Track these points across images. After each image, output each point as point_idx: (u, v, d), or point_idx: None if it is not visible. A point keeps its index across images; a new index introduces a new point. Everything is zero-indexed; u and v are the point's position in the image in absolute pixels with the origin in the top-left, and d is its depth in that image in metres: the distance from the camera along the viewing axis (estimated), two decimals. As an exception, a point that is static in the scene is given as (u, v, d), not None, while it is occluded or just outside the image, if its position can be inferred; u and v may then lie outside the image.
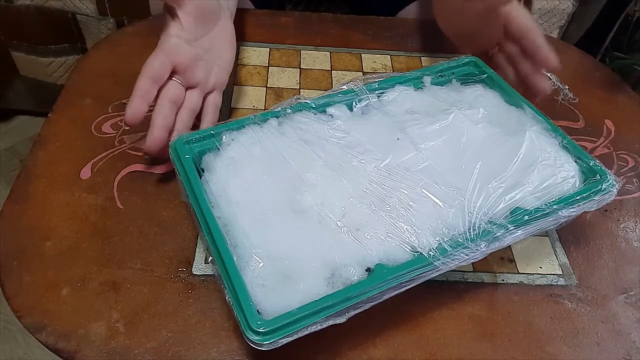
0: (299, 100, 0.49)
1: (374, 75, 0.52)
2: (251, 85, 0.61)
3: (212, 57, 0.53)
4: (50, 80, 1.22)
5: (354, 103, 0.50)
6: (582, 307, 0.45)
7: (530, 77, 0.56)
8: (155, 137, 0.47)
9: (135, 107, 0.47)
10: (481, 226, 0.41)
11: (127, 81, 0.58)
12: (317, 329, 0.35)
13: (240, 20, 0.69)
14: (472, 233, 0.40)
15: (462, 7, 0.56)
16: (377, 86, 0.51)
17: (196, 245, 0.46)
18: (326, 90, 0.52)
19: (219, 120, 0.56)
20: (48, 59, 1.18)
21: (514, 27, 0.55)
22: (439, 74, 0.55)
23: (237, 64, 0.63)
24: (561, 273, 0.47)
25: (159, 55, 0.49)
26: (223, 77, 0.54)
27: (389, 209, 0.41)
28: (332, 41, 0.68)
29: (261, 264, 0.38)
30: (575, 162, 0.47)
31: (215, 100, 0.53)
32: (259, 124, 0.47)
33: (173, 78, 0.50)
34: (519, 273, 0.46)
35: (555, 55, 0.54)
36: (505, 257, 0.47)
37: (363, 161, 0.44)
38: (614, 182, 0.44)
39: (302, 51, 0.66)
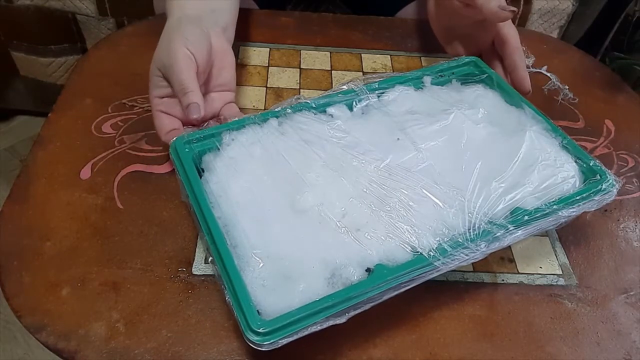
0: (299, 100, 0.49)
1: (374, 75, 0.52)
2: (251, 85, 0.61)
3: (209, 86, 0.52)
4: (50, 80, 1.22)
5: (354, 103, 0.50)
6: (582, 307, 0.45)
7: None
8: None
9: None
10: (481, 226, 0.41)
11: (127, 81, 0.58)
12: (317, 330, 0.35)
13: (240, 20, 0.69)
14: (472, 233, 0.40)
15: (460, 11, 0.56)
16: (377, 86, 0.52)
17: (196, 245, 0.46)
18: (326, 90, 0.52)
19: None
20: (48, 59, 1.18)
21: (502, 44, 0.57)
22: (439, 74, 0.55)
23: (237, 64, 0.63)
24: (561, 273, 0.47)
25: (159, 116, 0.49)
26: (227, 96, 0.53)
27: (389, 209, 0.41)
28: (332, 41, 0.68)
29: (261, 264, 0.38)
30: (575, 162, 0.47)
31: (229, 111, 0.51)
32: (259, 124, 0.47)
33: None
34: (519, 273, 0.46)
35: (528, 81, 0.56)
36: (505, 257, 0.47)
37: (363, 161, 0.44)
38: (614, 182, 0.44)
39: (302, 51, 0.66)
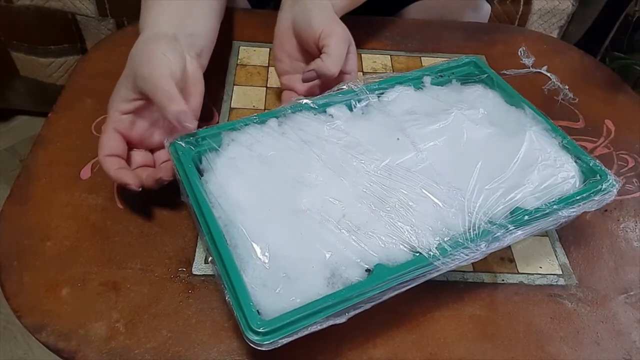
0: (299, 100, 0.49)
1: (374, 75, 0.52)
2: (251, 85, 0.61)
3: None
4: (50, 80, 1.22)
5: (354, 103, 0.50)
6: (582, 307, 0.45)
7: None
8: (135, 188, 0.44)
9: (126, 179, 0.44)
10: (481, 226, 0.41)
11: (127, 81, 0.58)
12: (317, 329, 0.35)
13: (240, 20, 0.69)
14: (472, 233, 0.40)
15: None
16: (377, 86, 0.51)
17: (196, 245, 0.46)
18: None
19: (219, 121, 0.56)
20: (48, 60, 1.18)
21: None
22: (439, 74, 0.55)
23: (237, 64, 0.63)
24: (561, 273, 0.47)
25: (110, 134, 0.45)
26: (190, 126, 0.46)
27: (389, 209, 0.41)
28: (332, 41, 0.67)
29: (261, 264, 0.38)
30: (575, 162, 0.47)
31: None
32: (259, 124, 0.47)
33: (134, 150, 0.47)
34: (519, 273, 0.46)
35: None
36: (505, 257, 0.47)
37: (363, 161, 0.44)
38: (614, 182, 0.44)
39: (302, 51, 0.66)
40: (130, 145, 0.47)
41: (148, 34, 0.49)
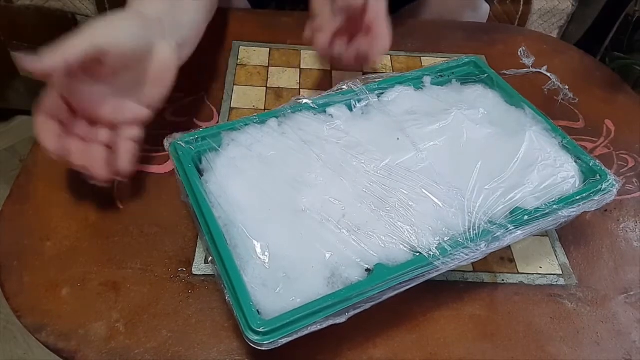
0: (299, 101, 0.49)
1: (373, 75, 0.52)
2: (251, 85, 0.61)
3: (126, 93, 0.46)
4: (50, 80, 1.22)
5: (354, 103, 0.50)
6: (582, 307, 0.45)
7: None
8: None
9: (49, 143, 0.41)
10: (481, 226, 0.41)
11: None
12: (317, 329, 0.35)
13: (240, 20, 0.69)
14: (472, 233, 0.40)
15: None
16: (377, 86, 0.52)
17: (196, 245, 0.46)
18: (326, 90, 0.52)
19: (219, 121, 0.56)
20: (48, 59, 1.18)
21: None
22: (439, 74, 0.55)
23: (237, 64, 0.63)
24: (561, 273, 0.47)
25: (51, 93, 0.43)
26: (142, 112, 0.46)
27: (388, 209, 0.41)
28: (332, 41, 0.67)
29: (261, 264, 0.38)
30: (575, 162, 0.47)
31: (130, 134, 0.46)
32: (259, 124, 0.47)
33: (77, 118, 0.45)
34: (519, 273, 0.46)
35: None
36: (505, 257, 0.47)
37: (363, 161, 0.44)
38: (614, 182, 0.44)
39: (302, 51, 0.66)
40: (74, 114, 0.44)
41: (126, 9, 0.47)
